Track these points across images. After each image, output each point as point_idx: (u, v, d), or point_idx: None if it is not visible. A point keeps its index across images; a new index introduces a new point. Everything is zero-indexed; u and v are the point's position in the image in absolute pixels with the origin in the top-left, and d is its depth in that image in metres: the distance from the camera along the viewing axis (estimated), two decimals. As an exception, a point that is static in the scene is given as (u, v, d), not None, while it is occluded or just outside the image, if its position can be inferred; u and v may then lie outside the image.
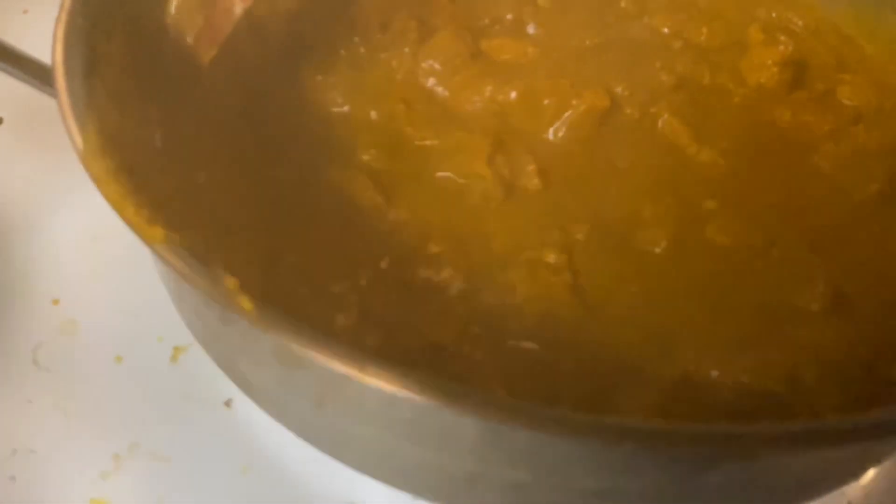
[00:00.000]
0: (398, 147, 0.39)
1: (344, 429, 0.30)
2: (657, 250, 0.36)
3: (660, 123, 0.39)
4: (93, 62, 0.32)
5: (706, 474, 0.27)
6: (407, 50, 0.41)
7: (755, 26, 0.42)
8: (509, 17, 0.42)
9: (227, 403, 0.40)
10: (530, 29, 0.42)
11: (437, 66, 0.41)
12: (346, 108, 0.41)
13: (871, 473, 0.39)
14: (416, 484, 0.32)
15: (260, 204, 0.36)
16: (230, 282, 0.26)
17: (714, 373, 0.32)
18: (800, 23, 0.43)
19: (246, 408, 0.39)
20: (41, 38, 0.33)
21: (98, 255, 0.44)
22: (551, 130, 0.39)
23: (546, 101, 0.39)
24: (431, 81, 0.41)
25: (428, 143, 0.39)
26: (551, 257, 0.35)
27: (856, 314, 0.35)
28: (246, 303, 0.25)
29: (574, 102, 0.39)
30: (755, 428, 0.24)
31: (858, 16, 0.44)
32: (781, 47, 0.41)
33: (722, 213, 0.37)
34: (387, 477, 0.32)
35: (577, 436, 0.23)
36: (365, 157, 0.39)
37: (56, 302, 0.43)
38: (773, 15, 0.44)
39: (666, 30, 0.43)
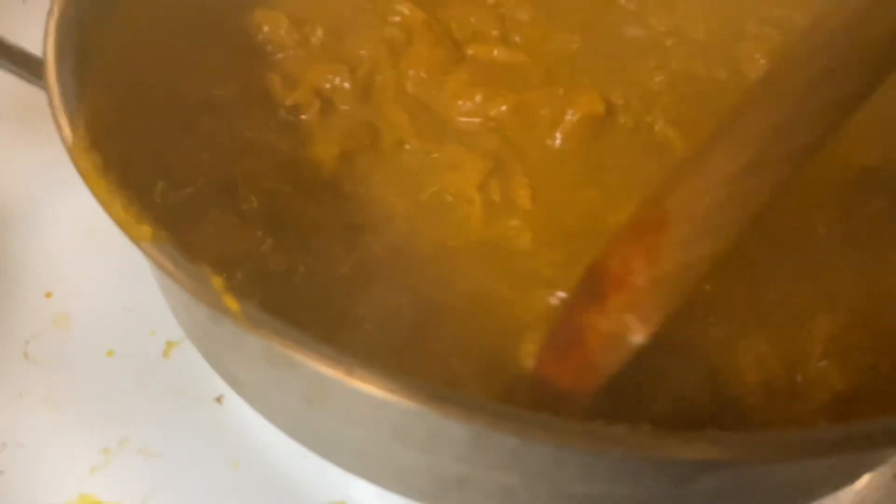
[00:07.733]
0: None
1: (333, 429, 0.30)
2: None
3: (657, 127, 0.39)
4: (85, 56, 0.32)
5: (696, 481, 0.26)
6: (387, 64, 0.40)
7: (753, 22, 0.42)
8: (495, 32, 0.42)
9: (219, 399, 0.40)
10: (517, 39, 0.42)
11: (422, 74, 0.40)
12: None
13: (865, 479, 0.38)
14: (405, 485, 0.32)
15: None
16: (217, 281, 0.25)
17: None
18: (799, 20, 0.43)
19: (237, 404, 0.39)
20: (40, 30, 0.32)
21: (91, 249, 0.44)
22: (548, 142, 0.38)
23: (542, 112, 0.39)
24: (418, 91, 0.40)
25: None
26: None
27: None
28: (232, 302, 0.25)
29: (569, 111, 0.38)
30: (744, 436, 0.24)
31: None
32: (779, 42, 0.41)
33: None
34: (376, 477, 0.32)
35: (564, 443, 0.23)
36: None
37: (49, 295, 0.43)
38: (772, 12, 0.43)
39: (662, 28, 0.42)
